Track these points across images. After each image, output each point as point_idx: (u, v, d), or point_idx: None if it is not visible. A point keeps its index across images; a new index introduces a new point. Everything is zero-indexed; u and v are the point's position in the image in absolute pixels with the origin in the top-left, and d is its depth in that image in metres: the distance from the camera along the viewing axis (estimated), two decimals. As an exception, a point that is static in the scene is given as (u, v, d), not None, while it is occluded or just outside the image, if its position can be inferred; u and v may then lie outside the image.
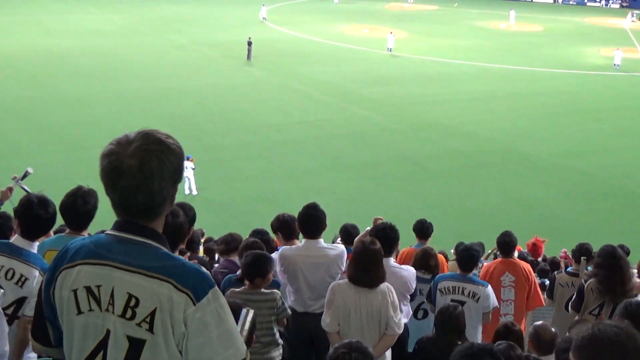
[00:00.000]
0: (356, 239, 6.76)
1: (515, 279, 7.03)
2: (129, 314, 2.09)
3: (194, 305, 2.07)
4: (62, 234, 4.65)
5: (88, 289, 2.13)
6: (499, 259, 7.34)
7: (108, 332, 2.12)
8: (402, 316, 4.98)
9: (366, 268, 4.72)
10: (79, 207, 4.32)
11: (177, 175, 2.18)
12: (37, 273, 3.91)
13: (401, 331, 4.84)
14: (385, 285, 4.78)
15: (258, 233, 6.68)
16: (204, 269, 2.17)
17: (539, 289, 7.16)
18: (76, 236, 4.46)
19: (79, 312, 2.15)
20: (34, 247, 4.08)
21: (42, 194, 4.18)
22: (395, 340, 4.91)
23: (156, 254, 2.15)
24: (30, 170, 5.54)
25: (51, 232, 5.18)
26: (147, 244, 2.15)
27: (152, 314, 2.07)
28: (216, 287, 2.15)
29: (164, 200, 2.16)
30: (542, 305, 7.35)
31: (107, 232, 2.22)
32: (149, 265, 2.10)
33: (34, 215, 4.01)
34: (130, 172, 2.07)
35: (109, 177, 2.11)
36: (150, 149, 2.11)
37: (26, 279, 3.88)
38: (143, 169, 2.08)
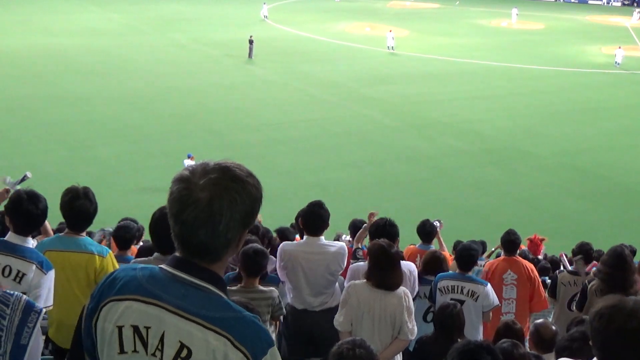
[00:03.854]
0: (358, 235, 6.78)
1: (517, 277, 7.03)
2: None
3: None
4: (61, 234, 4.64)
5: (135, 329, 1.96)
6: (502, 256, 7.34)
7: None
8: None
9: (383, 270, 4.70)
10: (87, 208, 4.34)
11: (248, 219, 1.97)
12: (34, 267, 3.91)
13: (414, 337, 4.81)
14: (402, 290, 4.77)
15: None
16: (262, 323, 2.01)
17: (542, 290, 7.15)
18: (75, 236, 4.46)
19: (122, 351, 1.98)
20: (29, 242, 4.07)
21: (32, 190, 4.14)
22: (406, 346, 4.91)
23: (215, 302, 1.96)
24: (29, 174, 5.45)
25: (51, 232, 5.18)
26: (206, 289, 1.96)
27: None
28: (275, 345, 1.99)
29: (227, 244, 1.96)
30: (547, 308, 7.35)
31: (162, 266, 2.03)
32: (207, 315, 1.91)
33: (24, 211, 3.99)
34: (198, 205, 1.89)
35: (174, 206, 1.94)
36: (224, 185, 1.92)
37: (24, 274, 3.88)
38: (212, 205, 1.89)
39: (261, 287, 4.88)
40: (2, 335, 2.66)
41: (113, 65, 32.39)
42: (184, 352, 1.91)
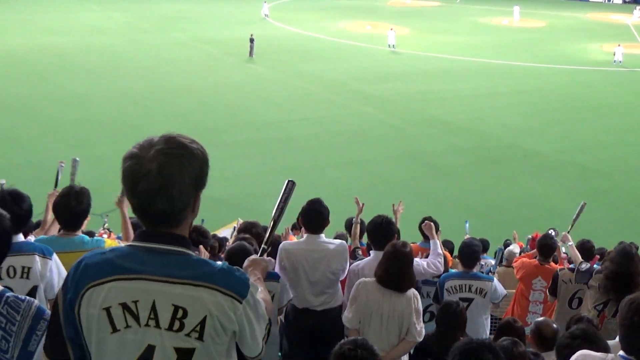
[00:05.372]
0: (352, 232, 6.78)
1: (547, 285, 7.01)
2: (176, 325, 2.06)
3: (240, 303, 2.12)
4: (57, 234, 4.63)
5: (124, 306, 2.07)
6: (535, 260, 7.24)
7: (149, 347, 2.08)
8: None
9: (396, 271, 4.68)
10: (72, 207, 4.31)
11: (199, 181, 2.13)
12: (36, 257, 3.85)
13: (421, 339, 4.79)
14: (411, 291, 4.76)
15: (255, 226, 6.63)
16: (234, 268, 2.21)
17: None
18: (70, 236, 4.45)
19: (114, 330, 2.08)
20: (20, 237, 3.99)
21: (15, 189, 4.10)
22: (412, 347, 4.90)
23: (192, 262, 2.12)
24: (2, 181, 5.39)
25: (49, 222, 5.19)
26: (181, 252, 2.12)
27: (202, 323, 2.07)
28: (250, 279, 2.21)
29: (184, 207, 2.10)
30: None
31: (130, 244, 2.16)
32: (191, 274, 2.07)
33: (9, 212, 3.91)
34: (149, 176, 2.02)
35: (128, 180, 2.06)
36: (171, 153, 2.05)
37: (29, 268, 3.83)
38: (162, 173, 2.02)
39: None
40: (10, 340, 2.66)
41: (114, 64, 32.40)
42: (180, 313, 2.05)
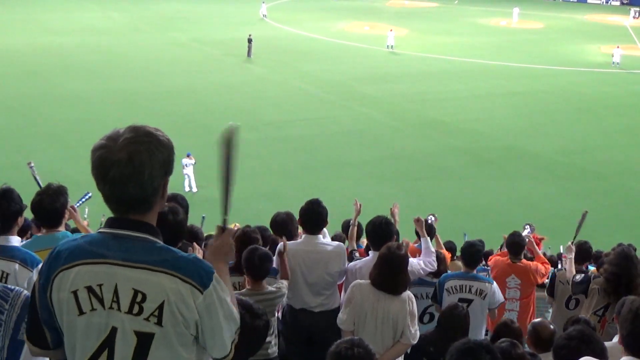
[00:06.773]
0: (350, 233, 6.76)
1: (521, 282, 7.02)
2: (136, 309, 2.11)
3: (202, 293, 2.13)
4: (39, 233, 4.60)
5: (89, 289, 2.13)
6: (507, 259, 7.24)
7: (113, 329, 2.13)
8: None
9: (390, 274, 4.66)
10: (46, 205, 4.29)
11: (167, 166, 2.19)
12: (16, 266, 3.71)
13: (415, 342, 4.78)
14: (406, 294, 4.74)
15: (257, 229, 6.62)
16: (200, 257, 2.22)
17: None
18: (53, 233, 4.40)
19: (81, 312, 2.14)
20: (12, 240, 3.88)
21: (7, 188, 4.02)
22: (407, 350, 4.89)
23: (155, 248, 2.17)
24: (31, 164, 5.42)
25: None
26: (145, 239, 2.17)
27: (161, 308, 2.11)
28: (214, 271, 2.21)
29: (155, 192, 2.17)
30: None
31: (100, 230, 2.22)
32: (152, 260, 2.12)
33: None
34: (120, 163, 2.08)
35: (98, 170, 2.11)
36: (139, 141, 2.11)
37: (7, 274, 3.70)
38: (133, 160, 2.08)
39: (270, 288, 4.74)
40: (0, 330, 2.66)
41: (112, 64, 32.37)
42: (139, 297, 2.11)
